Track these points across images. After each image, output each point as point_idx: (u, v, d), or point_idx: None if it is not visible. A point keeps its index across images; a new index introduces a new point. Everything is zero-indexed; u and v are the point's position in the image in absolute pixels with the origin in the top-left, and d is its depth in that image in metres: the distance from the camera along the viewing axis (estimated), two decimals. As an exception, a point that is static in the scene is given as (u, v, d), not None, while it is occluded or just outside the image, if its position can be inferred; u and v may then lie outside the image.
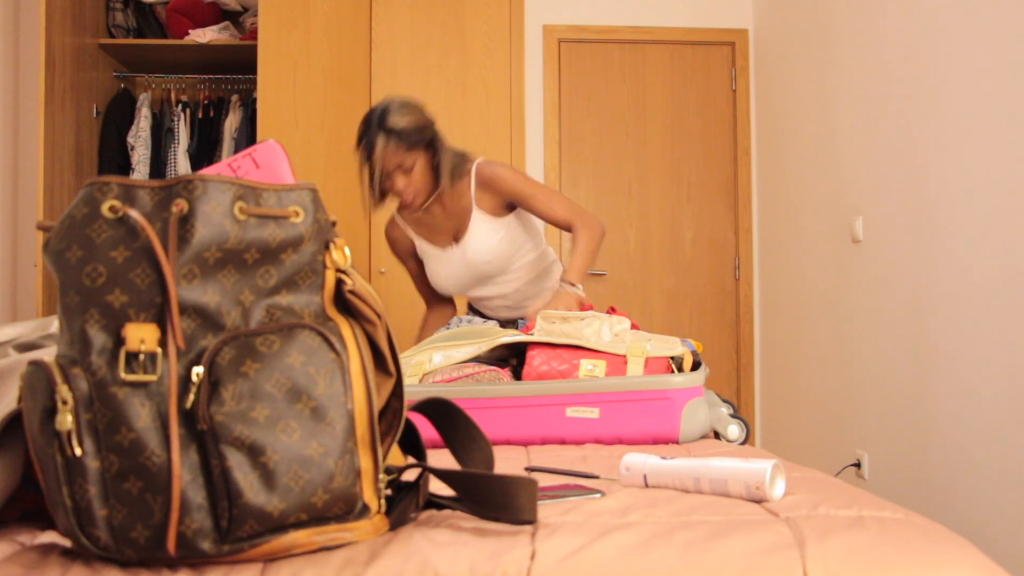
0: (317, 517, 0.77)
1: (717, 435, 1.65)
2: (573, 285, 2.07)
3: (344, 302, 0.84)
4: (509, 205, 2.27)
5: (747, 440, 1.62)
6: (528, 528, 0.85)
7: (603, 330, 1.70)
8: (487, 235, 2.25)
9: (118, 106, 4.05)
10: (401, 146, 2.11)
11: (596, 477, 1.14)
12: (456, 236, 2.28)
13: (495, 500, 0.86)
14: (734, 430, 1.61)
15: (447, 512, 0.92)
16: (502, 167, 2.24)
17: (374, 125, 2.11)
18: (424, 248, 2.35)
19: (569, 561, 0.76)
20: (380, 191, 2.21)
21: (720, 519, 0.87)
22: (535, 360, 1.66)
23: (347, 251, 0.85)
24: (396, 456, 0.96)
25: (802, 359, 3.68)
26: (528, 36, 4.19)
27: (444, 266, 2.30)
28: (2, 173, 3.90)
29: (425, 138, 2.15)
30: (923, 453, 2.71)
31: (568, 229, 2.22)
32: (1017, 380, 2.28)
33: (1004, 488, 2.34)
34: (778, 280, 3.97)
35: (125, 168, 4.01)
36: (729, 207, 4.28)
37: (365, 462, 0.80)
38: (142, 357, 0.74)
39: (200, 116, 4.10)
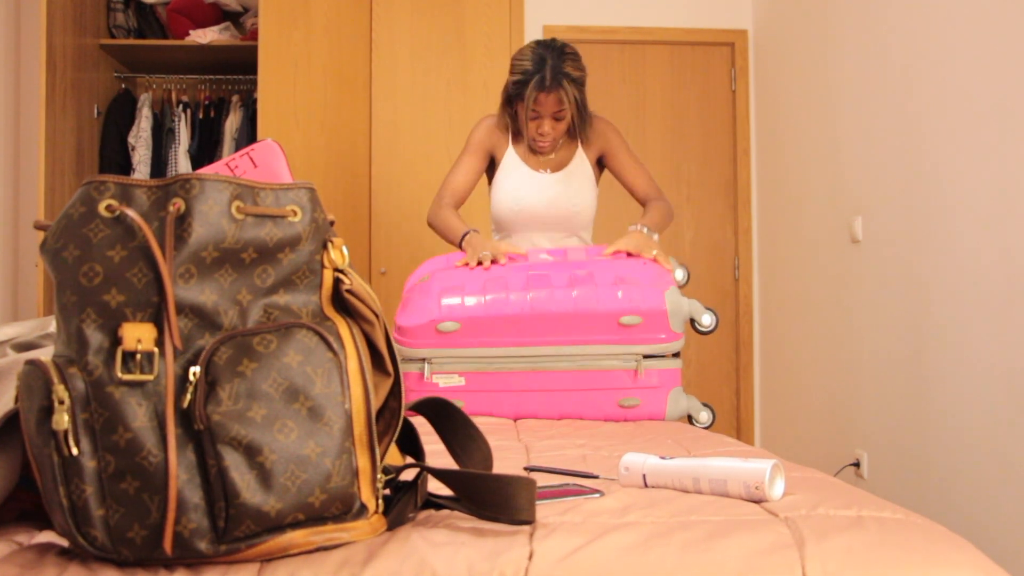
0: (314, 517, 0.77)
1: (691, 419, 1.98)
2: (648, 231, 2.15)
3: (342, 302, 0.84)
4: (599, 164, 2.38)
5: (712, 425, 2.01)
6: (526, 528, 0.84)
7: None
8: (584, 178, 2.33)
9: (119, 106, 4.05)
10: (566, 96, 2.15)
11: (595, 477, 1.14)
12: (555, 167, 2.33)
13: (493, 500, 0.85)
14: (704, 416, 1.99)
15: (445, 512, 0.92)
16: (609, 123, 2.38)
17: (549, 67, 2.12)
18: (513, 162, 2.31)
19: (567, 561, 0.76)
20: (512, 118, 2.26)
21: (719, 519, 0.86)
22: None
23: (345, 251, 0.85)
24: (394, 456, 0.95)
25: (802, 359, 3.68)
26: (528, 36, 4.19)
27: (527, 185, 2.30)
28: (3, 173, 3.90)
29: (583, 94, 2.21)
30: (923, 453, 2.71)
31: (643, 201, 2.34)
32: (1017, 380, 2.28)
33: (1004, 488, 2.33)
34: (778, 280, 3.97)
35: (126, 168, 4.02)
36: (729, 207, 4.27)
37: (363, 462, 0.80)
38: (139, 357, 0.74)
39: (201, 116, 4.10)
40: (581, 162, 2.34)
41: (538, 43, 2.19)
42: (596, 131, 2.34)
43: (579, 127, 2.27)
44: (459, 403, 1.88)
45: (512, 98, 2.23)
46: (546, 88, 2.13)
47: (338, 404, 0.78)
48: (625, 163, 2.33)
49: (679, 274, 1.98)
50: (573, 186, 2.32)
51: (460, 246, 2.19)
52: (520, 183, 2.30)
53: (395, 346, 1.95)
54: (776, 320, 4.00)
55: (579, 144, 2.34)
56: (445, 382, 1.89)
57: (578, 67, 2.18)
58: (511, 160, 2.32)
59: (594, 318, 1.87)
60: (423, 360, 1.90)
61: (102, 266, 0.75)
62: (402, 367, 1.91)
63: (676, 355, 1.95)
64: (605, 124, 2.36)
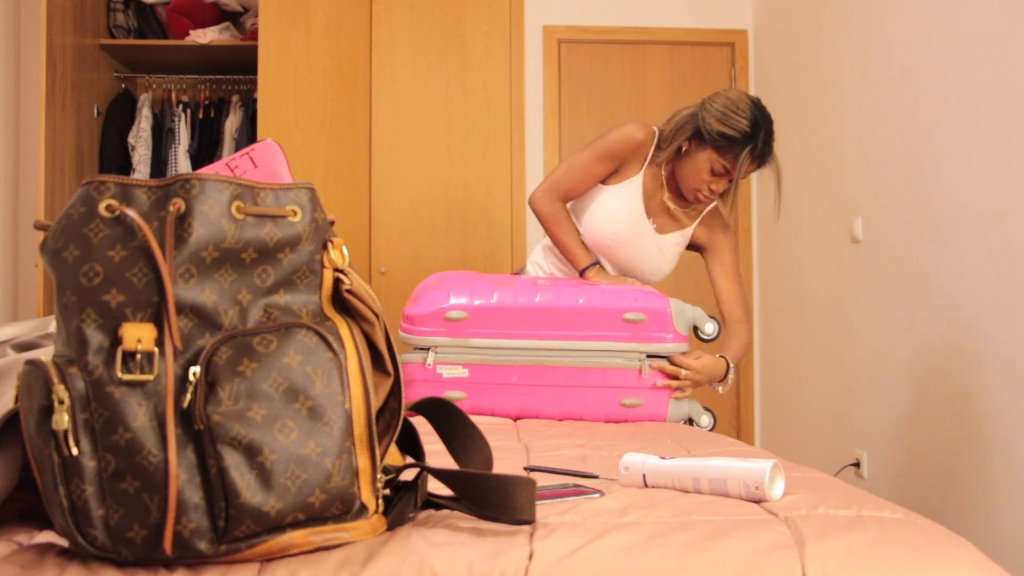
0: (314, 517, 0.77)
1: (691, 422, 1.99)
2: (730, 362, 2.07)
3: (342, 302, 0.84)
4: (695, 247, 2.28)
5: (714, 428, 2.01)
6: (526, 528, 0.84)
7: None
8: (674, 254, 2.24)
9: (119, 106, 4.05)
10: (773, 169, 2.10)
11: (595, 477, 1.14)
12: (662, 227, 2.20)
13: (493, 500, 0.85)
14: (705, 420, 1.99)
15: (445, 512, 0.92)
16: (730, 225, 2.28)
17: (765, 139, 2.03)
18: (634, 193, 2.14)
19: (567, 561, 0.76)
20: (673, 156, 2.11)
21: (719, 519, 0.86)
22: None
23: (345, 251, 0.85)
24: (394, 456, 0.95)
25: (802, 359, 3.68)
26: (528, 36, 4.19)
27: (632, 229, 2.14)
28: (3, 173, 3.90)
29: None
30: (923, 453, 2.71)
31: (727, 316, 2.20)
32: (1017, 380, 2.28)
33: (1004, 488, 2.33)
34: (778, 280, 3.97)
35: (126, 168, 4.02)
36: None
37: (363, 462, 0.80)
38: (139, 356, 0.74)
39: (201, 116, 4.10)
40: (684, 235, 2.23)
41: (755, 104, 2.04)
42: (716, 221, 2.25)
43: (723, 199, 2.17)
44: (461, 395, 1.90)
45: (701, 141, 2.06)
46: (756, 158, 2.04)
47: (338, 404, 0.78)
48: (727, 271, 2.22)
49: (709, 327, 1.98)
50: (667, 251, 2.22)
51: (581, 274, 2.11)
52: (629, 223, 2.14)
53: (402, 335, 1.95)
54: (776, 320, 4.00)
55: (695, 221, 2.23)
56: (449, 372, 1.90)
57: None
58: (633, 191, 2.14)
59: (599, 313, 1.89)
60: (428, 349, 1.91)
61: (102, 266, 0.75)
62: (407, 356, 1.92)
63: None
64: (727, 226, 2.26)
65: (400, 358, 1.94)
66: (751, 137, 2.00)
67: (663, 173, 2.16)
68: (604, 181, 2.17)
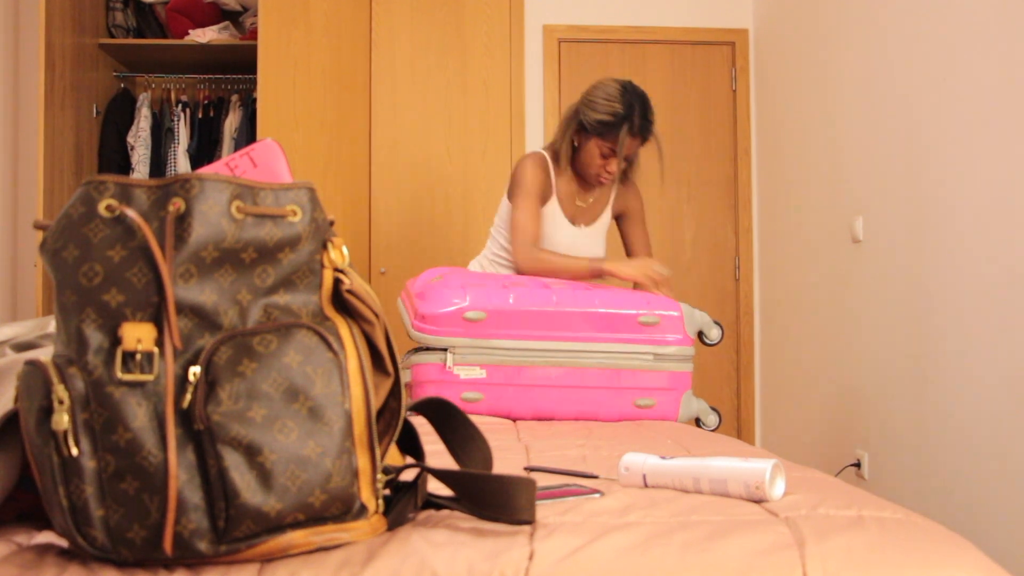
0: (314, 517, 0.77)
1: (698, 423, 2.05)
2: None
3: (342, 301, 0.84)
4: (616, 217, 2.52)
5: (718, 428, 2.09)
6: (526, 528, 0.84)
7: None
8: (603, 234, 2.47)
9: (118, 106, 4.05)
10: (655, 144, 2.32)
11: (595, 477, 1.14)
12: (588, 220, 2.43)
13: (493, 500, 0.85)
14: (712, 419, 2.06)
15: (445, 512, 0.92)
16: (637, 187, 2.53)
17: (640, 115, 2.24)
18: (555, 214, 2.38)
19: (567, 561, 0.76)
20: (571, 150, 2.34)
21: (719, 519, 0.86)
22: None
23: (345, 250, 0.85)
24: (394, 456, 0.95)
25: (802, 359, 3.68)
26: (528, 36, 4.19)
27: (568, 241, 2.37)
28: (2, 173, 3.90)
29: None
30: (923, 453, 2.71)
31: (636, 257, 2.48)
32: (1017, 380, 2.28)
33: (1004, 488, 2.33)
34: (778, 280, 3.97)
35: (125, 168, 4.01)
36: (729, 207, 4.27)
37: (363, 462, 0.80)
38: (139, 357, 0.74)
39: (200, 116, 4.10)
40: (605, 220, 2.47)
41: (623, 86, 2.28)
42: (628, 194, 2.49)
43: (626, 175, 2.41)
44: (478, 396, 1.91)
45: (585, 132, 2.29)
46: (635, 135, 2.25)
47: (338, 404, 0.78)
48: (638, 232, 2.49)
49: (714, 332, 2.07)
50: (597, 240, 2.45)
51: (599, 275, 2.23)
52: (562, 239, 2.36)
53: (416, 334, 1.97)
54: (776, 320, 4.00)
55: (610, 201, 2.46)
56: (466, 374, 1.91)
57: (654, 117, 2.31)
58: (554, 213, 2.37)
59: (616, 317, 1.96)
60: (445, 350, 1.92)
61: (102, 266, 0.75)
62: (423, 357, 1.92)
63: (688, 360, 2.03)
64: (636, 191, 2.50)
65: (414, 359, 1.95)
66: (626, 117, 2.22)
67: (570, 173, 2.39)
68: None
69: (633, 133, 2.24)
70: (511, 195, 2.36)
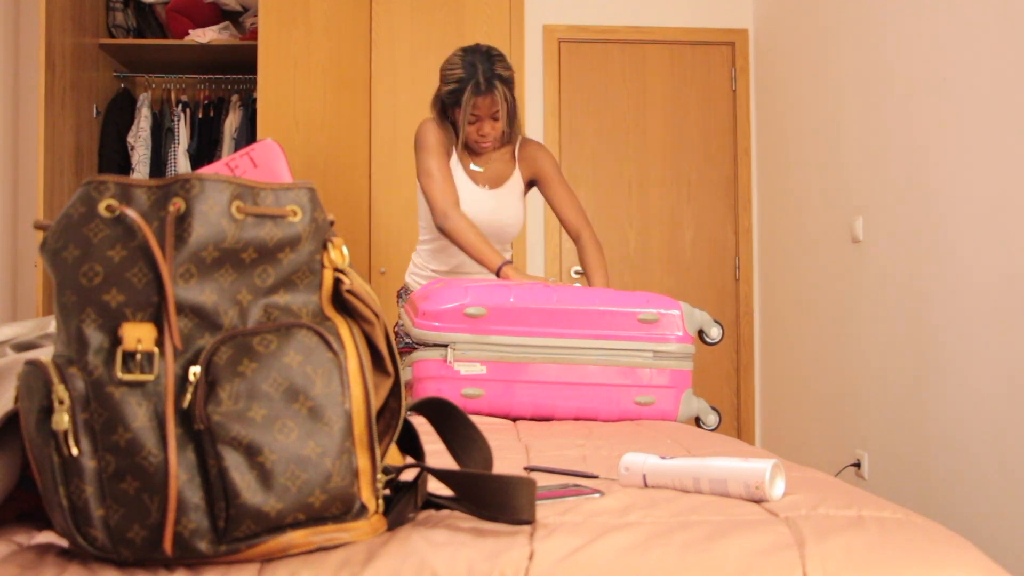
0: (314, 517, 0.77)
1: (698, 422, 2.05)
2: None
3: (342, 302, 0.84)
4: (529, 184, 2.47)
5: (718, 427, 2.08)
6: (526, 528, 0.84)
7: None
8: (516, 197, 2.43)
9: (118, 106, 4.05)
10: (500, 95, 2.25)
11: (595, 477, 1.14)
12: (492, 183, 2.41)
13: (493, 500, 0.85)
14: (712, 418, 2.06)
15: (445, 512, 0.92)
16: (546, 149, 2.48)
17: (482, 72, 2.22)
18: (459, 174, 2.35)
19: (567, 561, 0.76)
20: (453, 128, 2.32)
21: (719, 519, 0.86)
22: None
23: (345, 250, 0.85)
24: (394, 456, 0.95)
25: (802, 359, 3.68)
26: (528, 36, 4.19)
27: (469, 200, 2.34)
28: (2, 173, 3.90)
29: (513, 94, 2.30)
30: (923, 453, 2.71)
31: (574, 232, 2.45)
32: (1017, 380, 2.28)
33: (1004, 488, 2.33)
34: (778, 280, 3.97)
35: (125, 168, 4.01)
36: (729, 207, 4.27)
37: (363, 462, 0.80)
38: (139, 357, 0.74)
39: (200, 116, 4.10)
40: (516, 181, 2.44)
41: (464, 50, 2.29)
42: (532, 155, 2.44)
43: (511, 127, 2.35)
44: (479, 392, 1.92)
45: (448, 107, 2.31)
46: (482, 92, 2.23)
47: (338, 404, 0.78)
48: (559, 192, 2.43)
49: (714, 331, 2.07)
50: (507, 203, 2.41)
51: (497, 274, 2.20)
52: (467, 197, 2.34)
53: (416, 332, 1.98)
54: (776, 320, 4.00)
55: (516, 164, 2.44)
56: (467, 370, 1.92)
57: (507, 67, 2.28)
58: (456, 172, 2.36)
59: (615, 314, 1.97)
60: (446, 346, 1.93)
61: (102, 266, 0.75)
62: (423, 354, 1.93)
63: (689, 358, 2.03)
64: (541, 150, 2.46)
65: (414, 356, 1.95)
66: (468, 79, 2.23)
67: (459, 150, 2.37)
68: None
69: (480, 92, 2.22)
70: (417, 162, 2.35)
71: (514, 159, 2.45)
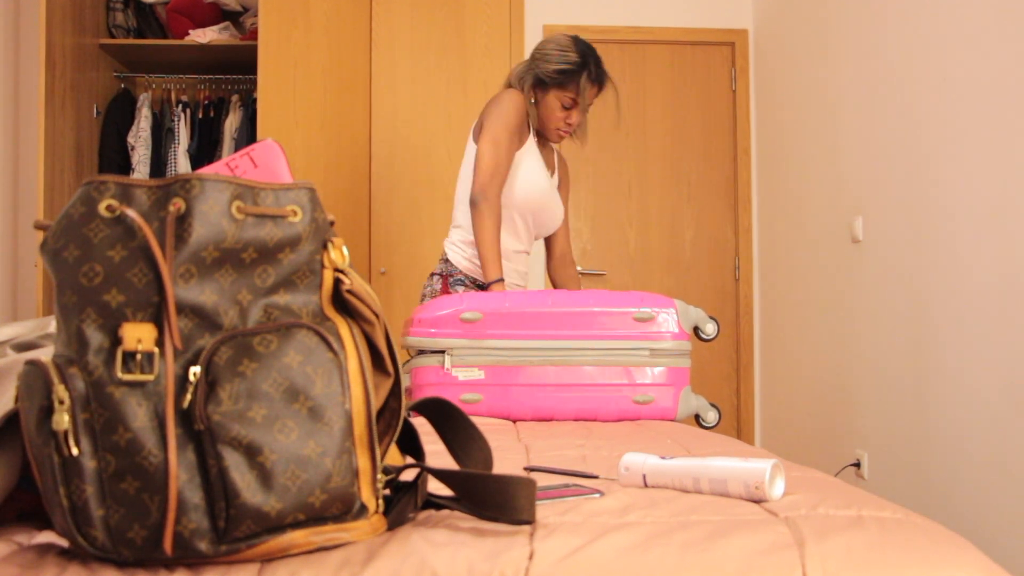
0: (315, 517, 0.77)
1: (698, 419, 2.05)
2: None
3: (342, 302, 0.84)
4: None
5: (718, 425, 2.11)
6: (526, 528, 0.84)
7: None
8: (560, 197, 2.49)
9: (118, 106, 4.05)
10: (612, 91, 2.37)
11: (595, 477, 1.14)
12: (551, 171, 2.47)
13: (493, 500, 0.85)
14: (711, 416, 2.06)
15: (445, 512, 0.92)
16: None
17: (599, 62, 2.31)
18: (534, 153, 2.34)
19: (567, 561, 0.76)
20: (535, 107, 2.34)
21: (719, 519, 0.86)
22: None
23: (345, 251, 0.85)
24: (394, 456, 0.95)
25: (802, 359, 3.68)
26: (528, 36, 4.19)
27: (545, 182, 2.37)
28: (2, 173, 3.90)
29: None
30: (923, 453, 2.71)
31: (561, 255, 2.59)
32: (1017, 380, 2.28)
33: (1004, 488, 2.33)
34: (778, 280, 3.97)
35: (125, 168, 4.01)
36: (729, 207, 4.27)
37: (363, 462, 0.80)
38: (139, 357, 0.74)
39: (200, 116, 4.10)
40: (556, 178, 2.50)
41: (572, 38, 2.32)
42: (562, 159, 2.53)
43: (582, 128, 2.41)
44: (478, 397, 1.92)
45: (545, 86, 2.29)
46: (596, 82, 2.29)
47: (338, 404, 0.78)
48: (562, 196, 2.50)
49: (709, 327, 2.09)
50: (560, 198, 2.48)
51: (486, 288, 2.19)
52: (545, 180, 2.36)
53: (411, 340, 1.98)
54: (776, 320, 4.00)
55: (556, 161, 2.49)
56: (465, 375, 1.93)
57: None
58: (534, 151, 2.34)
59: (610, 315, 1.98)
60: (443, 352, 1.93)
61: (102, 266, 0.75)
62: (421, 361, 1.93)
63: (686, 355, 2.04)
64: (562, 157, 2.55)
65: (412, 363, 1.96)
66: (583, 65, 2.27)
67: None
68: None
69: (592, 80, 2.28)
70: (488, 124, 2.23)
71: (554, 160, 2.50)
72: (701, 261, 4.25)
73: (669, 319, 1.99)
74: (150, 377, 0.74)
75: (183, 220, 0.76)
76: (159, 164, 4.04)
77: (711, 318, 2.07)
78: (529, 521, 0.85)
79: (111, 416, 0.73)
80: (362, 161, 3.95)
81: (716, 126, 4.27)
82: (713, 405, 2.08)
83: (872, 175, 3.05)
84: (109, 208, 0.76)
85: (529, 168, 2.31)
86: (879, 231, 2.99)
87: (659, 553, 0.77)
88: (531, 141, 2.34)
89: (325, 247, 0.84)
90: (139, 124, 4.02)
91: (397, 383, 0.87)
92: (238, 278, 0.79)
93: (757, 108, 4.24)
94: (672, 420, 1.99)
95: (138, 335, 0.74)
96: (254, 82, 3.97)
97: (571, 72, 2.26)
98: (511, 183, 2.28)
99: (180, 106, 4.10)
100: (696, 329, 2.07)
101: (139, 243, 0.75)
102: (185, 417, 0.74)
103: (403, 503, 0.86)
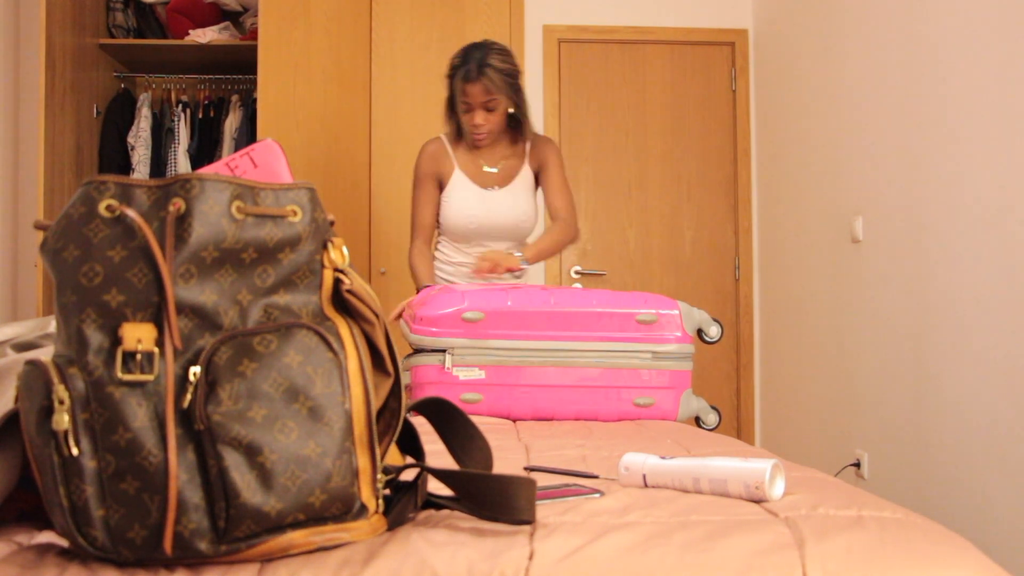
0: (314, 517, 0.77)
1: (698, 421, 2.06)
2: (519, 254, 2.36)
3: (342, 302, 0.84)
4: (537, 177, 2.54)
5: (718, 426, 2.12)
6: (526, 528, 0.84)
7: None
8: (528, 193, 2.49)
9: (118, 106, 4.05)
10: (492, 86, 2.31)
11: (595, 477, 1.14)
12: (502, 182, 2.47)
13: (493, 500, 0.85)
14: (712, 418, 2.07)
15: (445, 512, 0.92)
16: (553, 143, 2.56)
17: (474, 60, 2.31)
18: (461, 181, 2.44)
19: (567, 561, 0.76)
20: (457, 124, 2.41)
21: (719, 519, 0.86)
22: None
23: (345, 251, 0.85)
24: (394, 456, 0.95)
25: (802, 359, 3.68)
26: (528, 36, 4.19)
27: (477, 204, 2.43)
28: (2, 173, 3.90)
29: (514, 85, 2.36)
30: (923, 453, 2.71)
31: (553, 217, 2.50)
32: (1017, 380, 2.28)
33: (1004, 488, 2.33)
34: (778, 280, 3.97)
35: (125, 168, 4.01)
36: (729, 207, 4.27)
37: (363, 462, 0.80)
38: (139, 357, 0.74)
39: (200, 116, 4.10)
40: (525, 176, 2.50)
41: (469, 44, 2.37)
42: (540, 148, 2.51)
43: (521, 121, 2.43)
44: (478, 397, 1.92)
45: (449, 99, 2.40)
46: (471, 79, 2.30)
47: (338, 404, 0.78)
48: (554, 181, 2.49)
49: (713, 330, 2.09)
50: (520, 200, 2.47)
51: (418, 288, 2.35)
52: (468, 204, 2.43)
53: (414, 337, 1.98)
54: (776, 320, 4.00)
55: (526, 160, 2.50)
56: (465, 375, 1.92)
57: (505, 60, 2.34)
58: (458, 179, 2.44)
59: (613, 316, 1.97)
60: (444, 351, 1.92)
61: (102, 266, 0.75)
62: (421, 359, 1.93)
63: (688, 358, 2.03)
64: (549, 143, 2.53)
65: (413, 361, 1.95)
66: (461, 66, 2.32)
67: (463, 150, 2.47)
68: (442, 191, 2.48)
69: (469, 78, 2.29)
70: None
71: (525, 155, 2.50)
72: (701, 261, 4.25)
73: (673, 322, 1.99)
74: (150, 377, 0.74)
75: (183, 220, 0.76)
76: (159, 164, 4.04)
77: (715, 321, 2.06)
78: (529, 521, 0.85)
79: (111, 416, 0.73)
80: (362, 161, 3.95)
81: (716, 126, 4.27)
82: (714, 408, 2.07)
83: (872, 175, 3.05)
84: (109, 208, 0.76)
85: (455, 199, 2.43)
86: (879, 231, 2.99)
87: (659, 553, 0.77)
88: (455, 172, 2.44)
89: (325, 247, 0.84)
90: (139, 124, 4.02)
91: (397, 383, 0.87)
92: (238, 278, 0.78)
93: (757, 108, 4.24)
94: (673, 422, 1.98)
95: (138, 335, 0.74)
96: (254, 82, 3.97)
97: (451, 77, 2.35)
98: (444, 216, 2.46)
99: (180, 106, 4.10)
100: (699, 332, 2.06)
101: (139, 243, 0.75)
102: (185, 417, 0.74)
103: (403, 503, 0.86)
